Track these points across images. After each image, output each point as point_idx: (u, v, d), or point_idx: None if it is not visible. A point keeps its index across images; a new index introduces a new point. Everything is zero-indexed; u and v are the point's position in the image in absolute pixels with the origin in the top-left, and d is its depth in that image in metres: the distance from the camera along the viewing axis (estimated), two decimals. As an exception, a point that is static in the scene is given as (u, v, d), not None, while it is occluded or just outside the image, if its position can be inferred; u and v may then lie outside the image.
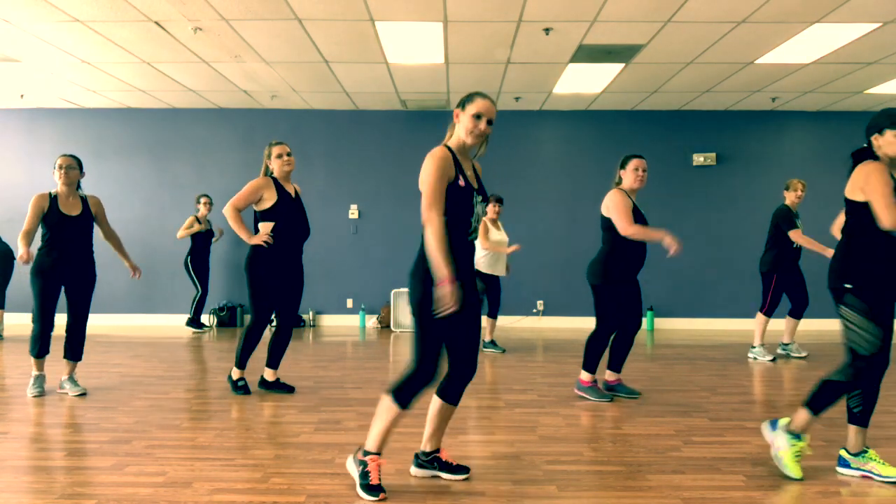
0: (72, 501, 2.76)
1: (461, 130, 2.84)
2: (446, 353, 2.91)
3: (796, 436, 3.12)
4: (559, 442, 3.66)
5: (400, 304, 8.73)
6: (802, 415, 3.10)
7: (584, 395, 4.70)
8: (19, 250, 4.39)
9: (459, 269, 2.76)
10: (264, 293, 4.61)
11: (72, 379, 4.79)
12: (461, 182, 2.79)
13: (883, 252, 2.96)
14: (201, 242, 8.38)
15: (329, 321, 9.23)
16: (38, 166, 9.16)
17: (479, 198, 2.89)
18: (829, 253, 6.31)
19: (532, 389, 5.04)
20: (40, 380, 4.74)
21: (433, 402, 3.01)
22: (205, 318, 9.03)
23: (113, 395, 4.70)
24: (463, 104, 2.85)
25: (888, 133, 2.95)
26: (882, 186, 2.87)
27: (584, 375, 4.70)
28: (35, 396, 4.66)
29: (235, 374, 4.82)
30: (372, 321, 9.13)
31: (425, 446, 3.07)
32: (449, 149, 2.82)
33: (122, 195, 9.13)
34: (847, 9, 5.40)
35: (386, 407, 2.84)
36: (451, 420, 3.36)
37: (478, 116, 2.80)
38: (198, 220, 8.33)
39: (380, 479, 2.84)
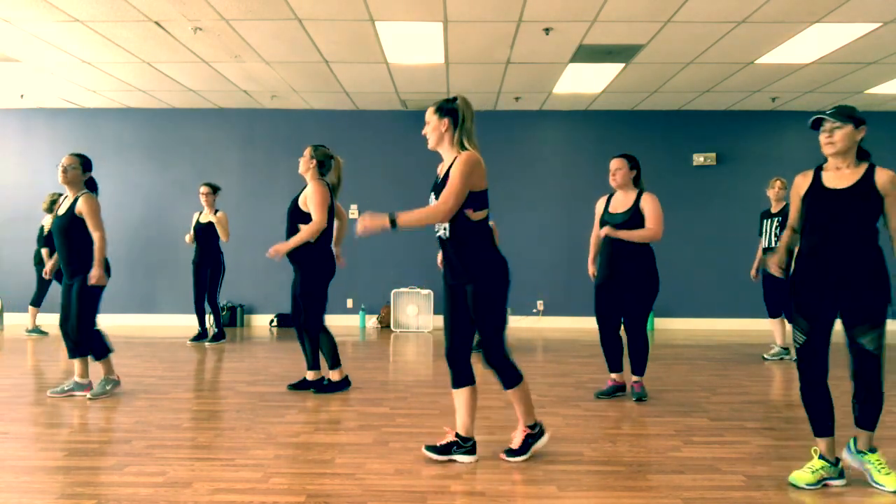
0: (72, 501, 2.76)
1: None
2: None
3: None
4: (559, 442, 3.66)
5: (400, 304, 8.72)
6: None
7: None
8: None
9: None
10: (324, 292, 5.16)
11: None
12: None
13: None
14: (200, 240, 7.19)
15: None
16: (37, 166, 9.16)
17: (433, 195, 3.30)
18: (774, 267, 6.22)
19: (532, 389, 5.02)
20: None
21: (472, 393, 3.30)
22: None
23: (113, 395, 4.70)
24: None
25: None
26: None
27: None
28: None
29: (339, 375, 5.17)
30: (372, 321, 9.13)
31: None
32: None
33: (122, 195, 9.12)
34: (847, 9, 5.40)
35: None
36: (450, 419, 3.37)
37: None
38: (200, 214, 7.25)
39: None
